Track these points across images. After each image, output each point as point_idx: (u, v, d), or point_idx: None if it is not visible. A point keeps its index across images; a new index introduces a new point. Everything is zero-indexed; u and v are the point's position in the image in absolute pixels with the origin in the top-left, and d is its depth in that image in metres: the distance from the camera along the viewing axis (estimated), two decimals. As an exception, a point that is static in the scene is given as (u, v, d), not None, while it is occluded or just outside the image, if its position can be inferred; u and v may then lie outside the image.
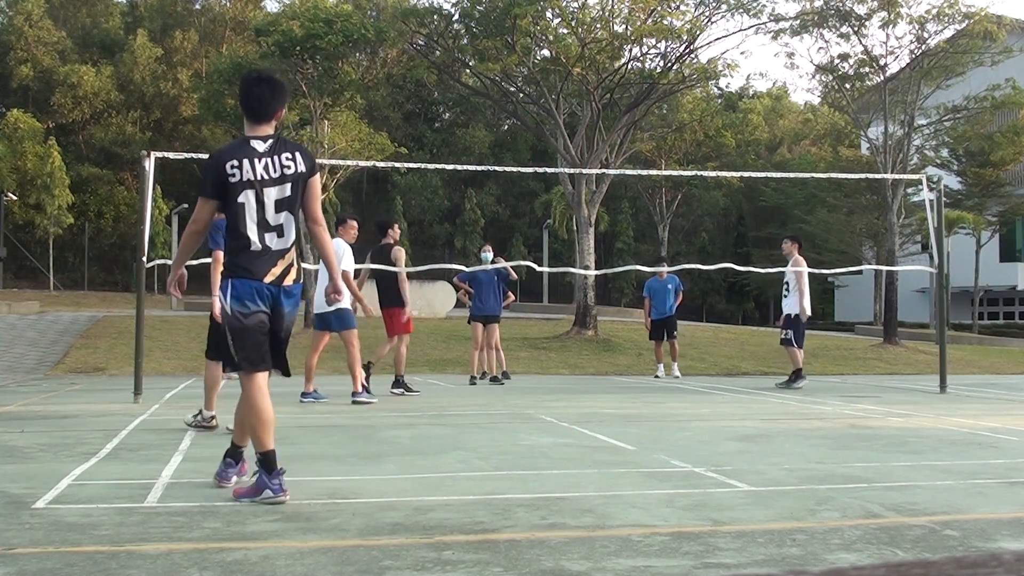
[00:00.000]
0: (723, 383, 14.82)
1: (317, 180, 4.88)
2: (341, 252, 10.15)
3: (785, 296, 13.32)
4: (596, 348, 20.76)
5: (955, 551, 3.61)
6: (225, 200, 4.67)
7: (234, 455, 5.11)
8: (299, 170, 4.75)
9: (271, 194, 4.68)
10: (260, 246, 4.68)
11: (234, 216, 4.68)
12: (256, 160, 4.68)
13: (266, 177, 4.67)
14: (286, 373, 4.98)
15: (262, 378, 4.78)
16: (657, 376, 15.42)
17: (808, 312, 13.14)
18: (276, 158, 4.72)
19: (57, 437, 7.17)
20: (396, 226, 11.69)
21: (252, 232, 4.67)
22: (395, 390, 11.34)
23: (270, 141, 4.77)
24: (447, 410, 9.60)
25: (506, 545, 3.70)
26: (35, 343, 19.72)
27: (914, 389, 13.38)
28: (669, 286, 15.33)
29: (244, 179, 4.64)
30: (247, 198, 4.65)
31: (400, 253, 11.29)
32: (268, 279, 4.70)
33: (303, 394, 10.50)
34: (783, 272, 13.33)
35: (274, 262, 4.72)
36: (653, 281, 15.44)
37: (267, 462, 4.67)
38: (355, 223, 10.63)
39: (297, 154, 4.79)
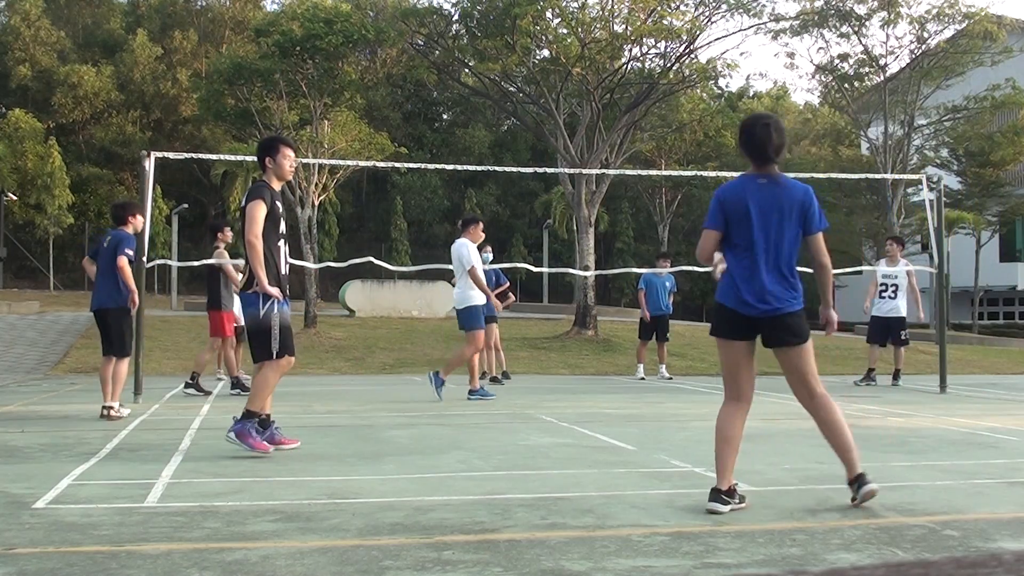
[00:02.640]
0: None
1: (248, 208, 6.21)
2: (466, 252, 10.49)
3: (893, 298, 13.46)
4: (596, 348, 20.75)
5: (955, 551, 3.61)
6: None
7: (262, 423, 6.32)
8: (242, 204, 6.37)
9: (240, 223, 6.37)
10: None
11: None
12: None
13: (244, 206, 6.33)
14: (255, 360, 6.31)
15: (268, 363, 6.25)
16: (642, 378, 14.95)
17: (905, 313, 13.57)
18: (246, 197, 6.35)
19: (57, 437, 7.17)
20: (227, 229, 11.47)
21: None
22: (232, 390, 11.26)
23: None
24: (447, 410, 9.60)
25: (506, 545, 3.70)
26: (35, 343, 19.72)
27: (914, 389, 13.38)
28: (667, 283, 15.12)
29: None
30: None
31: (222, 254, 11.14)
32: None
33: (470, 391, 10.81)
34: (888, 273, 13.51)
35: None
36: (651, 275, 15.14)
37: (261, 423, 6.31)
38: (480, 223, 11.01)
39: (249, 192, 6.35)
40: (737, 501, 4.34)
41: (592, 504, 4.51)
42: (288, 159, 6.43)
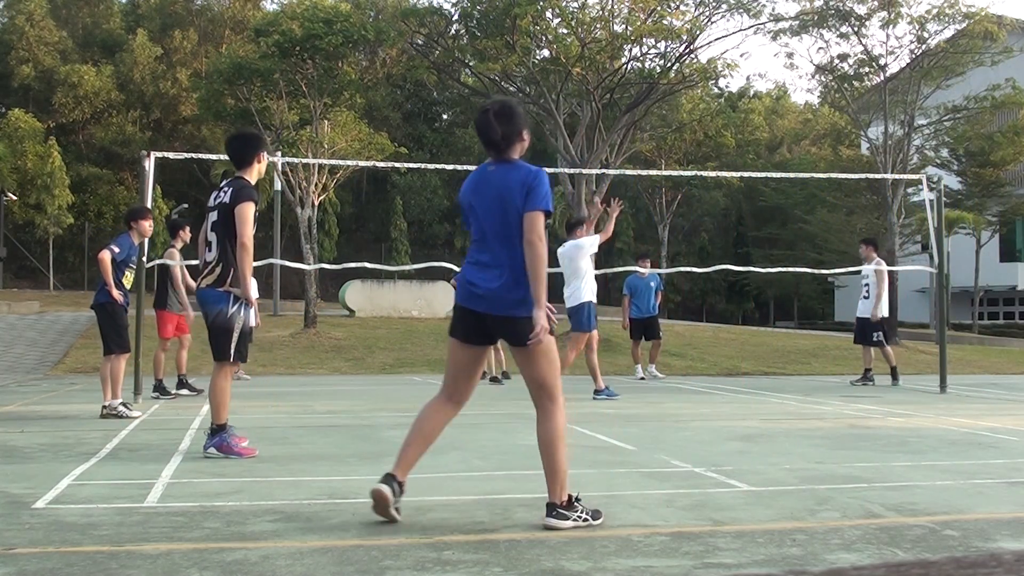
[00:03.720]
0: (723, 383, 14.82)
1: (241, 209, 6.10)
2: (575, 252, 10.54)
3: (867, 298, 13.44)
4: (596, 348, 20.73)
5: (955, 551, 3.61)
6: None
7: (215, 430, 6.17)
8: (223, 200, 6.19)
9: (211, 217, 6.28)
10: (201, 259, 6.38)
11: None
12: (213, 194, 6.37)
13: (210, 205, 6.33)
14: (216, 359, 6.22)
15: (216, 366, 6.22)
16: (642, 378, 14.96)
17: (883, 313, 13.49)
18: (218, 191, 6.32)
19: (57, 437, 7.17)
20: (188, 228, 11.13)
21: (201, 247, 6.43)
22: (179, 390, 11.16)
23: (228, 180, 6.34)
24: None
25: (506, 545, 3.70)
26: (35, 343, 19.73)
27: (914, 389, 13.37)
28: (651, 284, 14.94)
29: (208, 206, 6.35)
30: (205, 220, 6.35)
31: (172, 254, 10.90)
32: (201, 284, 6.29)
33: (595, 391, 10.88)
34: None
35: (203, 270, 6.30)
36: (634, 278, 14.95)
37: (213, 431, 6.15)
38: (586, 224, 10.95)
39: (229, 188, 6.23)
40: (399, 495, 4.10)
41: (592, 504, 4.50)
42: (266, 160, 6.51)
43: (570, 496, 4.07)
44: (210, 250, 6.20)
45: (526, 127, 4.25)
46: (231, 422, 6.26)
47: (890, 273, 24.21)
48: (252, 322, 6.38)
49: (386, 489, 4.02)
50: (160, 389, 10.87)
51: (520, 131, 4.20)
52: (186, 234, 11.10)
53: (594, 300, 10.64)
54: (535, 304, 4.02)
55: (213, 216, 6.23)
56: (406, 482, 4.16)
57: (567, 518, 3.99)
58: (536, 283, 4.01)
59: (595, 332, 10.94)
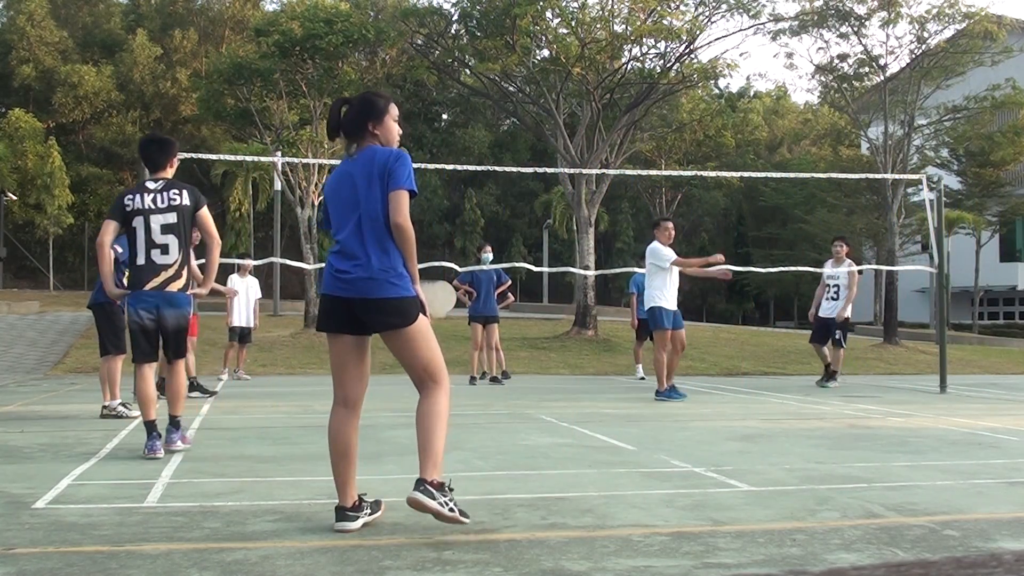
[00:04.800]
0: (723, 383, 14.82)
1: (206, 210, 6.28)
2: (660, 254, 10.73)
3: (835, 299, 13.32)
4: (596, 348, 20.76)
5: (955, 551, 3.61)
6: (124, 223, 6.12)
7: (153, 428, 6.18)
8: (182, 203, 6.13)
9: (159, 219, 6.07)
10: (144, 260, 6.05)
11: (131, 236, 6.10)
12: (146, 195, 6.13)
13: (150, 207, 6.08)
14: (168, 359, 6.30)
15: (147, 368, 6.26)
16: (642, 377, 14.98)
17: (848, 314, 13.41)
18: (164, 194, 6.13)
19: (57, 437, 7.17)
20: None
21: (139, 248, 6.07)
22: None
23: (160, 181, 6.22)
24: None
25: (506, 545, 3.70)
26: (35, 343, 19.73)
27: (914, 389, 13.38)
28: None
29: (133, 209, 6.07)
30: (139, 223, 6.06)
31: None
32: (150, 286, 6.05)
33: (657, 392, 10.90)
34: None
35: (156, 273, 6.07)
36: (641, 277, 14.95)
37: (151, 428, 6.09)
38: (670, 224, 11.05)
39: (181, 191, 6.18)
40: (368, 512, 4.06)
41: (592, 504, 4.51)
42: (177, 163, 6.66)
43: (443, 482, 3.86)
44: (166, 253, 6.07)
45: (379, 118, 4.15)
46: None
47: (890, 273, 24.37)
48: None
49: (348, 524, 3.95)
50: (199, 388, 10.91)
51: (359, 118, 4.14)
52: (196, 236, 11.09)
53: (665, 306, 10.77)
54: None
55: (167, 218, 6.06)
56: (361, 495, 4.08)
57: (434, 498, 3.77)
58: (407, 262, 4.03)
59: (675, 332, 10.92)
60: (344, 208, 4.08)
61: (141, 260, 6.05)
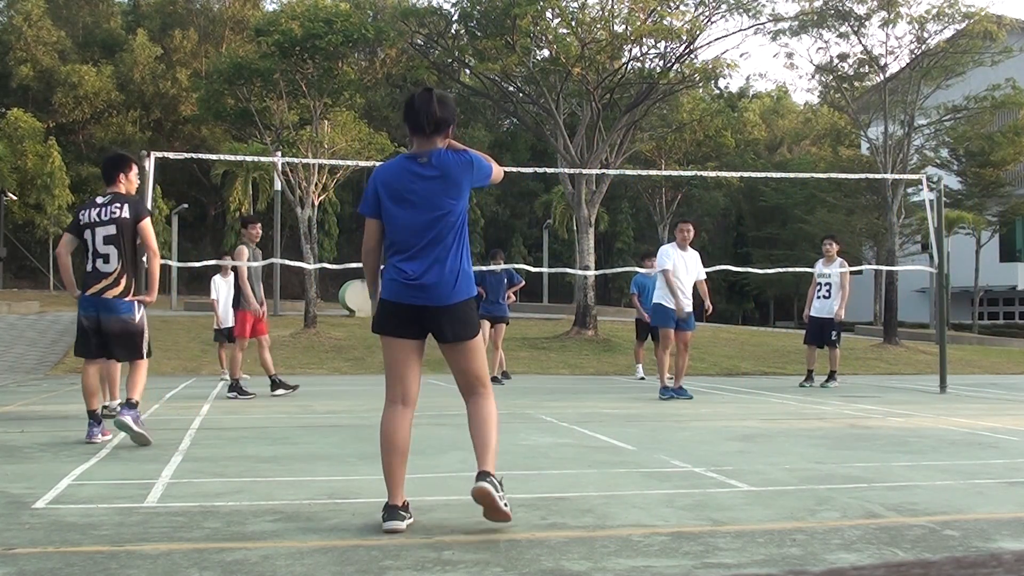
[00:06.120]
0: (723, 383, 14.82)
1: (147, 223, 6.79)
2: (660, 256, 11.10)
3: (827, 297, 13.29)
4: (596, 348, 20.75)
5: (955, 551, 3.61)
6: (79, 236, 6.78)
7: (94, 417, 6.87)
8: (123, 216, 6.66)
9: (101, 231, 6.66)
10: (91, 268, 6.70)
11: (84, 247, 6.73)
12: (93, 209, 6.74)
13: (94, 220, 6.69)
14: (117, 359, 7.13)
15: (89, 364, 6.94)
16: (642, 377, 15.00)
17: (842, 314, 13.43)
18: (108, 208, 6.68)
19: (57, 437, 7.18)
20: (259, 225, 11.20)
21: (88, 258, 6.70)
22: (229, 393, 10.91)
23: (108, 196, 6.77)
24: (447, 410, 9.59)
25: (506, 545, 3.70)
26: (35, 343, 19.73)
27: (914, 389, 13.38)
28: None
29: (84, 222, 6.72)
30: (88, 235, 6.70)
31: (240, 252, 10.79)
32: (90, 292, 6.70)
33: (662, 389, 11.05)
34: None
35: (98, 280, 6.69)
36: (642, 277, 14.81)
37: (92, 417, 6.85)
38: (686, 225, 11.29)
39: (123, 203, 6.71)
40: (410, 518, 4.02)
41: (592, 504, 4.51)
42: (135, 178, 7.09)
43: (501, 479, 3.97)
44: (107, 262, 6.66)
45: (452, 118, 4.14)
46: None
47: (890, 273, 24.36)
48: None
49: (397, 523, 3.93)
50: (237, 389, 10.75)
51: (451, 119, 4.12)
52: (257, 231, 11.02)
53: (663, 303, 11.12)
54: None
55: (108, 230, 6.64)
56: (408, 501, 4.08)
57: (498, 491, 3.88)
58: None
59: (679, 333, 11.22)
60: (418, 212, 4.07)
61: (89, 268, 6.73)
